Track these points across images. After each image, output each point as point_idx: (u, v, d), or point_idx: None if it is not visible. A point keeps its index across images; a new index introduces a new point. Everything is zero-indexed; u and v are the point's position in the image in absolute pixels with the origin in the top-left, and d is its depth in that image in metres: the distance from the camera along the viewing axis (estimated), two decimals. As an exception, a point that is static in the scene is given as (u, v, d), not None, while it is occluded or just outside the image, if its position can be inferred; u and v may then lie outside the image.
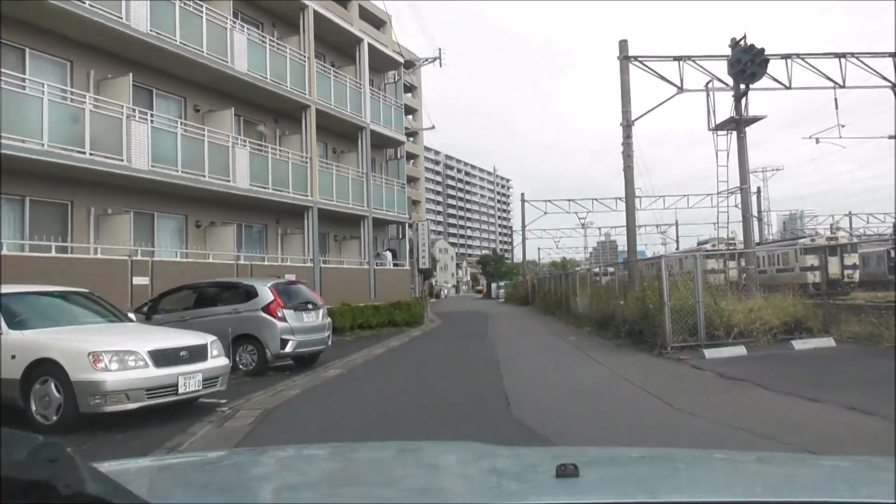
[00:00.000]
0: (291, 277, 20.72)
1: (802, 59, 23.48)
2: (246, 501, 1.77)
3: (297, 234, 24.24)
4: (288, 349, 13.50)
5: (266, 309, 13.50)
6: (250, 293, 13.82)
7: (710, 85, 19.76)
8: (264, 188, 21.34)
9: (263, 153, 21.76)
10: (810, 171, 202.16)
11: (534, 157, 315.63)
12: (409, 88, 71.70)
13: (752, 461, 2.22)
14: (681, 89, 23.81)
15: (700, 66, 24.10)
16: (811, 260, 40.61)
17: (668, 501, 1.56)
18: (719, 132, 19.22)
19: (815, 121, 41.72)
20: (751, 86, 18.63)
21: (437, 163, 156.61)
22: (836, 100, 24.48)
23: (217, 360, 9.56)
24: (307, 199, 23.40)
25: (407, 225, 33.21)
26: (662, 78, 24.14)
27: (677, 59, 23.98)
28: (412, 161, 78.92)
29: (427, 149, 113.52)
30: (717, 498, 1.54)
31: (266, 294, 13.66)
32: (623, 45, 24.60)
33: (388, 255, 30.41)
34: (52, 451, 0.92)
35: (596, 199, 58.02)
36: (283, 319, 13.50)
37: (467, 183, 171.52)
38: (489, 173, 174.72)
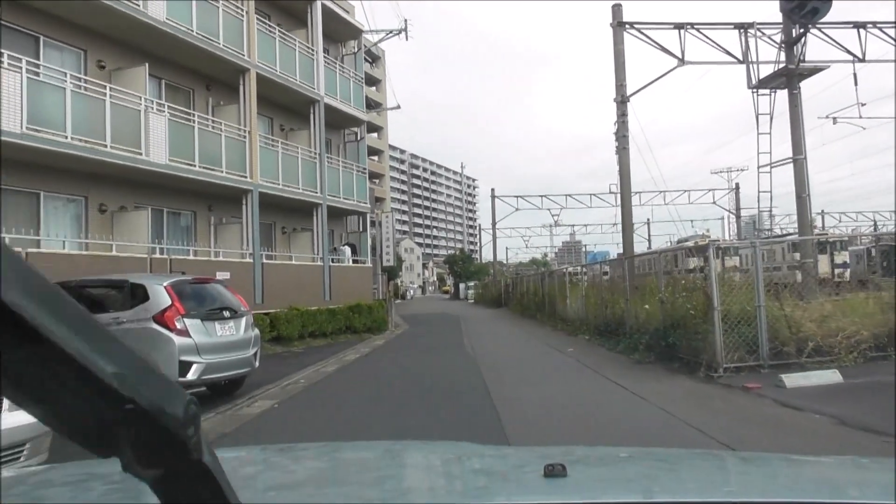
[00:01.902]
0: (225, 276, 16.69)
1: (818, 28, 20.13)
2: None
3: (234, 224, 20.07)
4: (191, 376, 9.40)
5: (159, 318, 9.38)
6: (138, 295, 9.71)
7: (751, 31, 15.93)
8: (189, 165, 17.17)
9: (189, 123, 17.57)
10: (774, 173, 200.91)
11: (501, 158, 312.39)
12: (373, 82, 67.69)
13: (744, 461, 2.14)
14: (682, 61, 20.58)
15: (705, 35, 20.87)
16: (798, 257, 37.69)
17: (657, 502, 1.47)
18: (760, 91, 15.43)
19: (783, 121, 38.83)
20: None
21: (403, 161, 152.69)
22: (854, 74, 20.97)
23: (24, 414, 5.50)
24: (245, 180, 19.25)
25: (369, 219, 29.13)
26: (662, 48, 20.86)
27: (678, 26, 20.89)
28: (377, 157, 74.95)
29: (392, 147, 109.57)
30: (708, 498, 1.48)
31: (160, 296, 9.55)
32: (616, 9, 21.23)
33: (347, 250, 26.25)
34: (196, 409, 0.79)
35: (570, 195, 54.97)
36: (185, 333, 9.41)
37: (433, 182, 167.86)
38: (455, 172, 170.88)
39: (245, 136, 19.49)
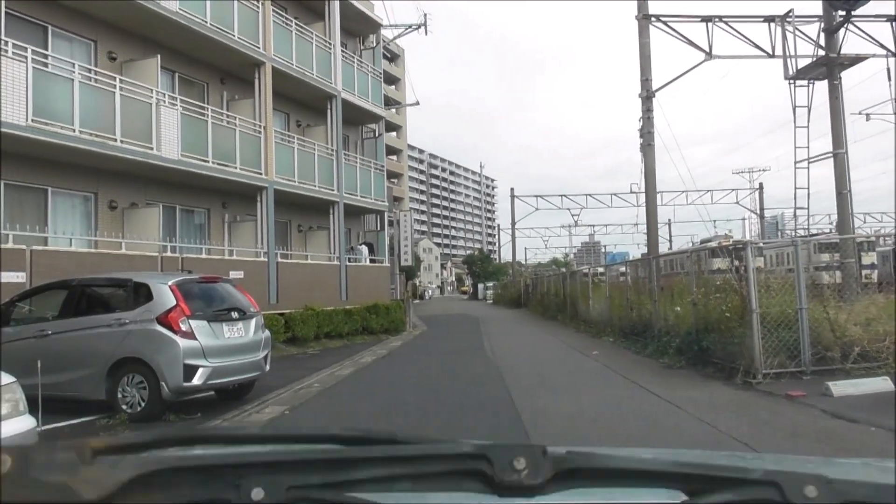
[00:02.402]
0: (238, 275, 16.22)
1: (851, 22, 19.34)
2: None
3: (249, 222, 19.60)
4: (196, 381, 8.89)
5: (163, 319, 8.86)
6: (141, 295, 9.20)
7: (787, 22, 15.19)
8: (203, 161, 16.69)
9: (202, 117, 17.10)
10: (792, 174, 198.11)
11: (518, 159, 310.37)
12: (392, 80, 67.24)
13: (754, 462, 2.07)
14: (709, 55, 19.88)
15: (733, 28, 20.16)
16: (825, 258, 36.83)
17: (671, 503, 1.27)
18: (798, 82, 14.70)
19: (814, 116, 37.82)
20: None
21: (422, 161, 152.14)
22: (888, 70, 20.12)
23: (6, 426, 5.00)
24: (260, 177, 18.75)
25: (387, 217, 28.55)
26: (689, 42, 20.17)
27: (705, 19, 20.16)
28: (395, 156, 74.49)
29: (411, 146, 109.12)
30: None
31: (164, 296, 9.03)
32: (642, 3, 20.53)
33: (364, 249, 25.73)
34: None
35: (590, 195, 54.25)
36: (190, 335, 8.89)
37: (452, 182, 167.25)
38: (474, 172, 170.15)
39: (260, 132, 19.01)
